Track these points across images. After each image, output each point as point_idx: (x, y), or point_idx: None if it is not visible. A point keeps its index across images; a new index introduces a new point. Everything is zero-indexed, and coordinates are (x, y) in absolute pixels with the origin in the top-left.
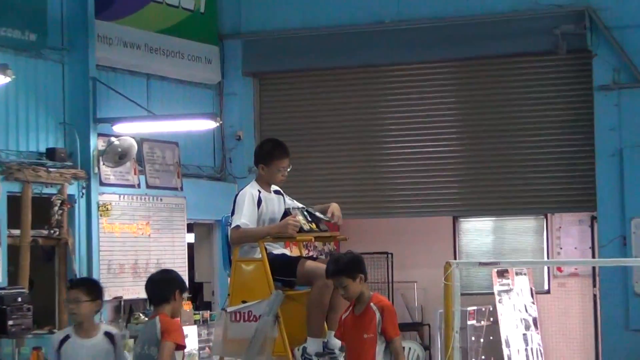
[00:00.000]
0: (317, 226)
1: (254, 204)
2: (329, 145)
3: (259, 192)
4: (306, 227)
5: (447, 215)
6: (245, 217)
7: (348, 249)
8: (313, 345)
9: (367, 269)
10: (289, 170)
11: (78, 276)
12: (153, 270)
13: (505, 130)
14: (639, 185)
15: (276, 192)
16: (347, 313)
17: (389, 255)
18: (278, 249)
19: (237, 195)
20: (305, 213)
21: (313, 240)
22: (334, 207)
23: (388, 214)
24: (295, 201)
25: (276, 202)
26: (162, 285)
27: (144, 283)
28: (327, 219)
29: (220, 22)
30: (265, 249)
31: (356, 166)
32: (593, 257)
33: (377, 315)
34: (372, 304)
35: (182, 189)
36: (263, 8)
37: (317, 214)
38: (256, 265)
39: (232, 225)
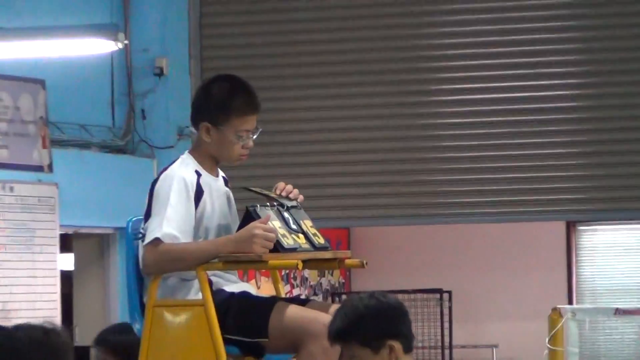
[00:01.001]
0: (309, 239)
1: (189, 197)
2: (330, 88)
3: (198, 175)
4: (287, 241)
5: (556, 219)
6: (171, 223)
7: (370, 288)
8: None
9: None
10: (255, 137)
11: None
12: None
13: None
14: None
15: (224, 179)
16: None
17: (444, 296)
18: (234, 284)
19: (155, 181)
20: (286, 214)
21: (300, 267)
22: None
23: (440, 217)
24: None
25: (226, 195)
26: None
27: None
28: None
29: None
30: (210, 283)
31: (380, 129)
32: None
33: None
34: None
35: (51, 168)
36: None
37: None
38: (192, 314)
39: (148, 239)
